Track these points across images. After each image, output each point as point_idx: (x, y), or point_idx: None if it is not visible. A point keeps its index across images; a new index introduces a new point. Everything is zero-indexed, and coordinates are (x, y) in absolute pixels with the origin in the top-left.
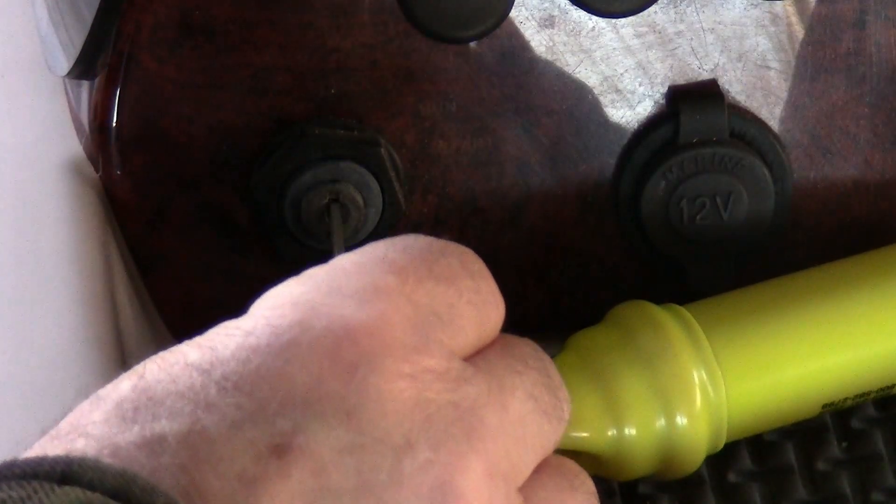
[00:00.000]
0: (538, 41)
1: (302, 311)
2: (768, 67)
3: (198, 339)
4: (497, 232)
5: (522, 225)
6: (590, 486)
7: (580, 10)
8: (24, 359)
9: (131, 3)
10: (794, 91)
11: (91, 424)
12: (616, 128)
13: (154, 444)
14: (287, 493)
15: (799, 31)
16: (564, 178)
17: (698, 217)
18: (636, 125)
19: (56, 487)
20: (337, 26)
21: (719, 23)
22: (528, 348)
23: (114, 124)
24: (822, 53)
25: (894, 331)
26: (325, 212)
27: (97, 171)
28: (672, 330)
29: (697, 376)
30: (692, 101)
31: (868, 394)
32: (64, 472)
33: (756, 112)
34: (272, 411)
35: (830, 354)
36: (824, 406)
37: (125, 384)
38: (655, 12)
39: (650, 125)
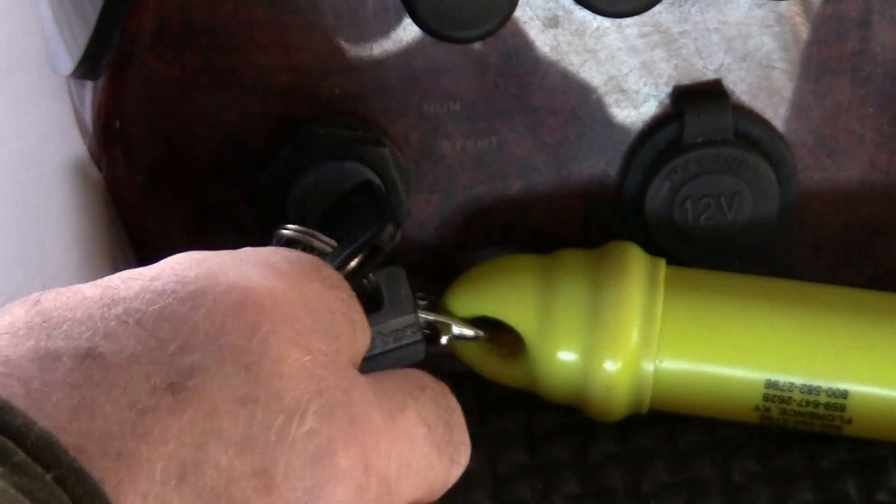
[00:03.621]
0: (542, 41)
1: (208, 268)
2: (773, 67)
3: (97, 281)
4: (501, 232)
5: (527, 225)
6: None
7: (585, 10)
8: None
9: (135, 4)
10: (798, 91)
11: None
12: (620, 128)
13: (47, 360)
14: (177, 429)
15: (804, 31)
16: (569, 178)
17: (703, 217)
18: (641, 125)
19: None
20: (341, 26)
21: (724, 23)
22: (428, 379)
23: (118, 124)
24: (827, 53)
25: (848, 326)
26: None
27: (101, 171)
28: (636, 271)
29: (636, 322)
30: (697, 101)
31: (817, 392)
32: None
33: (761, 112)
34: (172, 351)
35: (779, 325)
36: (767, 385)
37: (18, 309)
38: (660, 12)
39: (655, 125)
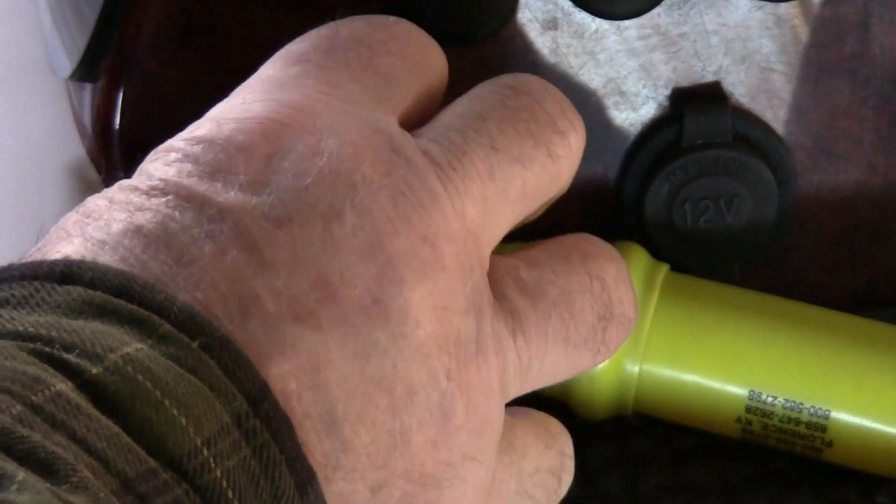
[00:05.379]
0: (541, 43)
1: (212, 116)
2: (772, 70)
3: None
4: None
5: (524, 228)
6: (566, 448)
7: (584, 13)
8: None
9: (132, 6)
10: (797, 93)
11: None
12: (619, 130)
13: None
14: (226, 270)
15: (803, 34)
16: None
17: (701, 220)
18: (640, 127)
19: (57, 286)
20: None
21: (723, 25)
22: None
23: (116, 127)
24: (826, 56)
25: (838, 350)
26: None
27: (100, 173)
28: (633, 271)
29: None
30: (696, 103)
31: (799, 410)
32: (63, 273)
33: (760, 114)
34: (200, 200)
35: (768, 339)
36: (750, 397)
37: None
38: (659, 14)
39: (654, 127)
